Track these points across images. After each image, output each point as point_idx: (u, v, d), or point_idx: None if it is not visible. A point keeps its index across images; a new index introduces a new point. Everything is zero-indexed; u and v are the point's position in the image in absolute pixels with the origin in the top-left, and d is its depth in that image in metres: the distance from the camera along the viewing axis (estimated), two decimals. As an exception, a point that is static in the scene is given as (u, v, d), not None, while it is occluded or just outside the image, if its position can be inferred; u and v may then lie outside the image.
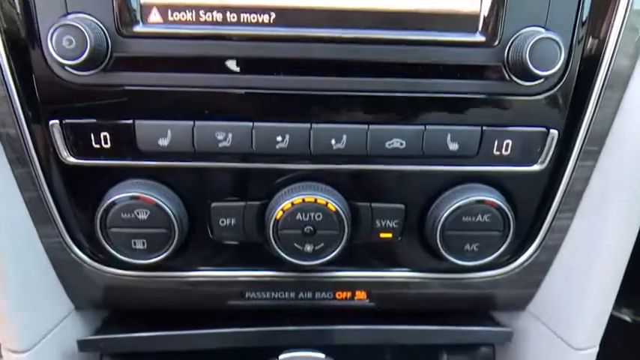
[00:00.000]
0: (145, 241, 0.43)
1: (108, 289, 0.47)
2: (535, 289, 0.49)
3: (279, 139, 0.41)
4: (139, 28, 0.39)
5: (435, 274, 0.48)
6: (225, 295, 0.48)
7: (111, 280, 0.47)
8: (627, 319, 1.64)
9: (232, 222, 0.44)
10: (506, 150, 0.43)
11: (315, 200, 0.42)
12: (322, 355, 0.36)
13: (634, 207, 0.43)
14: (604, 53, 0.41)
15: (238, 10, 0.39)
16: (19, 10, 0.39)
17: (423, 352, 0.56)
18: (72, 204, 0.44)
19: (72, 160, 0.42)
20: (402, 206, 0.44)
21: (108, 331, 0.49)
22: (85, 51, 0.37)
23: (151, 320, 0.51)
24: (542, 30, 0.39)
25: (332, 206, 0.42)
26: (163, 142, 0.41)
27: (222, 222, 0.44)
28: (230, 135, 0.41)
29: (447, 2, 0.39)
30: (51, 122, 0.41)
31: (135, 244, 0.43)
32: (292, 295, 0.48)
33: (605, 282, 0.45)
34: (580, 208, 0.45)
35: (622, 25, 0.40)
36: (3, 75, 0.40)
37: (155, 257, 0.43)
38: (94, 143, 0.41)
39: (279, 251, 0.43)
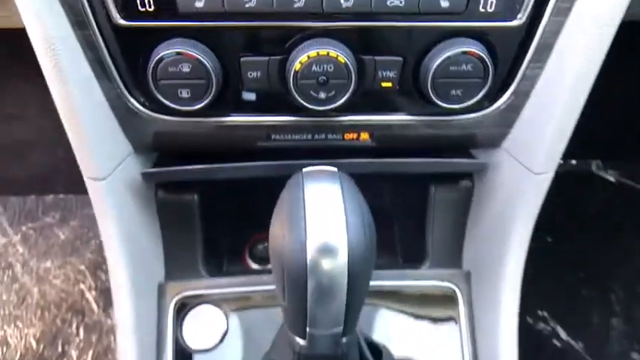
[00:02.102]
0: (188, 90, 0.52)
1: (158, 134, 0.58)
2: (509, 129, 0.59)
3: (297, 1, 0.49)
4: None
5: (427, 117, 0.58)
6: (254, 137, 0.59)
7: (161, 126, 0.57)
8: (612, 179, 1.78)
9: (258, 74, 0.53)
10: (490, 7, 0.50)
11: (328, 53, 0.50)
12: (335, 169, 0.47)
13: (592, 58, 0.51)
14: None
15: None
16: None
17: (415, 184, 0.68)
18: (125, 61, 0.53)
19: (122, 22, 0.50)
20: (400, 59, 0.53)
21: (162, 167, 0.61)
22: None
23: (194, 162, 0.63)
24: None
25: (342, 59, 0.51)
26: (199, 4, 0.49)
27: (250, 74, 0.53)
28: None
29: None
30: None
31: (180, 93, 0.52)
32: (309, 136, 0.59)
33: (559, 125, 0.55)
34: (550, 59, 0.53)
35: None
36: None
37: (197, 104, 0.53)
38: (139, 6, 0.49)
39: (298, 98, 0.53)
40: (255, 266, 0.77)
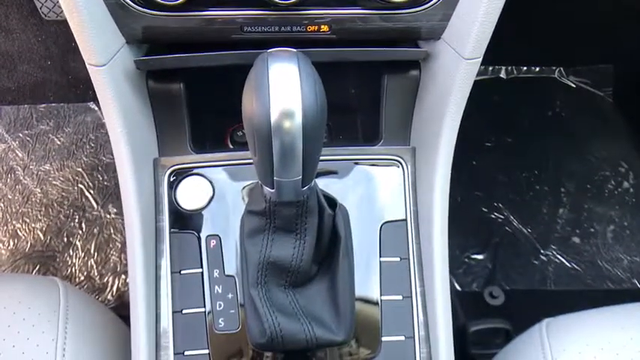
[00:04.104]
0: None
1: (146, 27, 0.67)
2: (446, 22, 0.69)
3: None
4: None
5: (377, 10, 0.67)
6: (230, 30, 0.68)
7: (148, 20, 0.66)
8: (572, 85, 1.90)
9: None
10: None
11: None
12: (294, 50, 0.57)
13: None
14: None
15: None
16: None
17: (371, 75, 0.79)
18: None
19: None
20: None
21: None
22: None
23: (179, 53, 0.72)
24: None
25: None
26: None
27: None
28: None
29: None
30: None
31: None
32: (277, 28, 0.69)
33: (483, 18, 0.64)
34: None
35: None
36: None
37: None
38: None
39: None
40: (232, 148, 0.90)
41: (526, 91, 1.84)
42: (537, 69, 1.87)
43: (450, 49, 0.70)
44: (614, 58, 1.84)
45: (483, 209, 1.59)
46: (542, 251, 1.53)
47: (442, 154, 0.73)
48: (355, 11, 0.68)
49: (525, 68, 1.85)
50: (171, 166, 0.78)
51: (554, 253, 1.53)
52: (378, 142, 0.81)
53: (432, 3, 0.67)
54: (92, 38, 0.65)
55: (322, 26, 0.69)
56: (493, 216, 1.58)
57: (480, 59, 0.69)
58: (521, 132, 1.75)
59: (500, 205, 1.60)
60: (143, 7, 0.66)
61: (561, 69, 1.87)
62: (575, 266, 1.51)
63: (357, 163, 0.78)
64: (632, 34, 1.72)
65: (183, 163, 0.78)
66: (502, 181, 1.64)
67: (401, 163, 0.79)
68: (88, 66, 0.67)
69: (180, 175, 0.78)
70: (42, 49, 1.78)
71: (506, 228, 1.57)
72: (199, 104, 0.81)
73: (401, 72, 0.77)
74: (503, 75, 1.87)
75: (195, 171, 0.78)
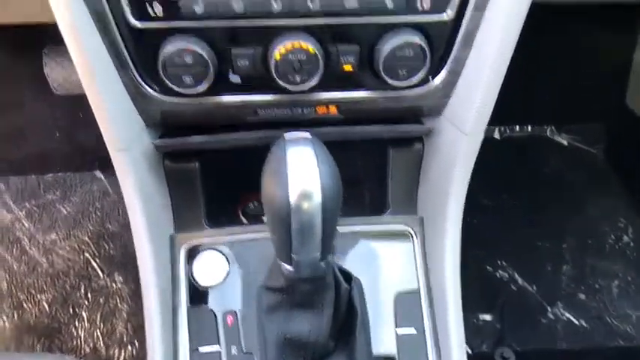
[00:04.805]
0: (191, 76, 0.66)
1: (165, 112, 0.72)
2: (447, 99, 0.74)
3: (274, 4, 0.63)
4: None
5: (381, 92, 0.72)
6: (244, 113, 0.73)
7: (167, 105, 0.71)
8: (565, 143, 1.97)
9: (246, 62, 0.67)
10: (425, 5, 0.65)
11: (300, 45, 0.64)
12: (309, 134, 0.61)
13: (505, 43, 0.66)
14: None
15: None
16: None
17: (377, 149, 0.83)
18: (139, 54, 0.66)
19: (137, 24, 0.63)
20: (357, 47, 0.67)
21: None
22: None
23: (195, 134, 0.76)
24: None
25: (312, 49, 0.64)
26: (198, 9, 0.62)
27: (239, 63, 0.67)
28: (241, 2, 0.62)
29: None
30: None
31: (184, 79, 0.66)
32: (288, 111, 0.73)
33: (484, 96, 0.69)
34: (474, 45, 0.68)
35: None
36: None
37: (198, 88, 0.67)
38: (150, 12, 0.62)
39: (279, 81, 0.67)
40: (246, 222, 0.92)
41: (520, 151, 1.90)
42: (530, 128, 1.94)
43: (451, 125, 0.75)
44: (603, 115, 1.92)
45: (488, 268, 1.60)
46: (549, 309, 1.53)
47: (450, 224, 0.76)
48: (361, 93, 0.73)
49: (518, 128, 1.92)
50: (188, 243, 0.80)
51: (562, 310, 1.53)
52: (385, 212, 0.84)
53: (431, 84, 0.72)
54: (115, 126, 0.69)
55: (331, 108, 0.74)
56: (498, 275, 1.59)
57: (482, 135, 0.73)
58: (518, 190, 1.79)
59: (503, 263, 1.61)
60: (164, 95, 0.70)
61: (553, 127, 1.94)
62: (584, 324, 1.51)
63: (365, 234, 0.81)
64: (619, 91, 1.80)
65: (199, 239, 0.81)
66: (503, 239, 1.66)
67: (410, 233, 0.82)
68: (110, 150, 0.71)
69: (197, 251, 0.80)
70: (50, 120, 1.84)
71: (512, 286, 1.57)
72: (213, 180, 0.84)
73: (405, 145, 0.82)
74: (497, 135, 1.93)
75: (211, 247, 0.80)
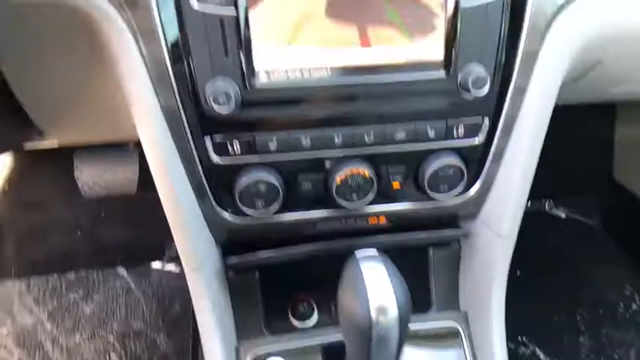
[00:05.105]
0: (263, 201, 0.75)
1: (237, 230, 0.80)
2: (481, 206, 0.84)
3: (336, 139, 0.73)
4: (255, 85, 0.68)
5: (424, 203, 0.82)
6: (305, 227, 0.82)
7: (236, 225, 0.80)
8: (562, 215, 2.08)
9: (310, 186, 0.77)
10: (460, 132, 0.76)
11: (358, 171, 0.75)
12: (376, 252, 0.70)
13: (531, 155, 0.78)
14: (511, 76, 0.73)
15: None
16: (187, 73, 0.66)
17: (417, 250, 0.92)
18: (218, 186, 0.75)
19: (218, 161, 0.73)
20: (404, 168, 0.78)
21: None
22: (230, 101, 0.66)
23: (255, 247, 0.85)
24: (479, 65, 0.70)
25: (367, 174, 0.75)
26: (272, 146, 0.73)
27: (305, 187, 0.77)
28: (309, 138, 0.73)
29: (425, 54, 0.70)
30: (205, 137, 0.72)
31: (257, 203, 0.75)
32: (344, 223, 0.83)
33: (515, 203, 0.80)
34: (502, 161, 0.79)
35: (520, 60, 0.72)
36: (178, 110, 0.69)
37: (269, 209, 0.76)
38: (230, 151, 0.73)
39: (338, 200, 0.76)
40: (296, 323, 0.98)
41: (522, 226, 2.00)
42: (529, 203, 2.06)
43: (487, 228, 0.85)
44: (595, 187, 2.05)
45: (510, 345, 1.64)
46: (574, 383, 1.56)
47: (496, 320, 0.84)
48: (407, 206, 0.82)
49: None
50: (251, 350, 0.86)
51: (587, 383, 1.56)
52: (430, 310, 0.91)
53: (468, 195, 0.83)
54: (192, 246, 0.77)
55: (381, 218, 0.83)
56: (520, 351, 1.63)
57: (516, 235, 0.83)
58: (524, 265, 1.87)
59: (524, 338, 1.66)
60: (236, 216, 0.79)
61: (550, 201, 2.07)
62: (610, 395, 1.54)
63: (414, 333, 0.88)
64: (607, 165, 1.95)
65: (261, 345, 0.86)
66: (520, 314, 1.72)
67: (457, 330, 0.89)
68: (185, 270, 0.78)
69: (260, 358, 0.85)
70: (72, 220, 1.90)
71: (535, 362, 1.61)
72: (268, 286, 0.91)
73: (444, 246, 0.91)
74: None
75: (273, 353, 0.86)
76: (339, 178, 0.74)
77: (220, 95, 0.64)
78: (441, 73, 0.70)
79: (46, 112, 0.83)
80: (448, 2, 0.67)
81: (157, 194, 0.72)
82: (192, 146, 0.72)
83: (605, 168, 1.98)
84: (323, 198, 0.78)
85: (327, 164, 0.76)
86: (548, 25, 0.70)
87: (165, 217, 0.74)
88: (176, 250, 0.76)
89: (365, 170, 0.75)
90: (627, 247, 1.93)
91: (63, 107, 0.82)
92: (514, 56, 0.72)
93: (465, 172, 0.77)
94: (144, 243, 1.85)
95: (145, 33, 0.63)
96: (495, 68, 0.71)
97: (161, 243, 1.86)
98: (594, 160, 1.98)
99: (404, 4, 0.67)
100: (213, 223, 0.79)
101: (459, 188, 0.79)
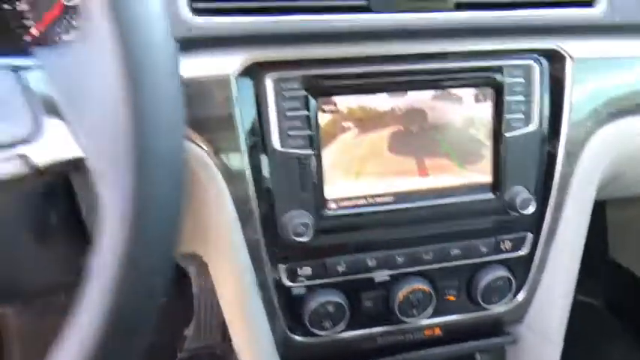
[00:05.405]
0: (330, 321, 0.79)
1: (305, 347, 0.83)
2: (526, 311, 0.90)
3: (398, 259, 0.79)
4: (327, 214, 0.75)
5: (477, 312, 0.87)
6: (365, 343, 0.85)
7: (308, 345, 0.82)
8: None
9: (371, 304, 0.82)
10: (507, 246, 0.84)
11: (418, 289, 0.80)
12: None
13: (572, 263, 0.85)
14: (550, 194, 0.82)
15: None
16: (269, 208, 0.73)
17: (465, 355, 0.96)
18: (289, 310, 0.79)
19: (290, 284, 0.77)
20: (457, 282, 0.84)
21: None
22: (308, 230, 0.72)
23: None
24: (524, 188, 0.79)
25: (426, 289, 0.80)
26: (341, 269, 0.78)
27: (367, 304, 0.82)
28: (374, 260, 0.78)
29: (475, 179, 0.79)
30: (279, 264, 0.76)
31: (325, 324, 0.79)
32: (402, 337, 0.86)
33: (561, 307, 0.86)
34: (546, 268, 0.86)
35: (558, 181, 0.82)
36: (260, 242, 0.74)
37: (336, 328, 0.79)
38: (299, 277, 0.77)
39: (400, 317, 0.81)
40: None
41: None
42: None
43: (532, 332, 0.90)
44: (594, 268, 2.13)
45: None
46: None
47: None
48: (461, 316, 0.87)
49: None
50: None
51: None
52: None
53: (514, 303, 0.88)
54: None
55: (435, 329, 0.88)
56: None
57: (562, 341, 0.88)
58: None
59: None
60: (303, 336, 0.82)
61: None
62: None
63: None
64: (602, 245, 2.05)
65: None
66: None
67: None
68: None
69: None
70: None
71: None
72: None
73: (492, 352, 0.95)
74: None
75: None
76: (401, 294, 0.80)
77: (299, 226, 0.70)
78: (489, 195, 0.78)
79: None
80: (493, 133, 0.76)
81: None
82: (268, 274, 0.77)
83: (601, 248, 2.08)
84: (384, 314, 0.82)
85: (389, 282, 0.81)
86: (581, 150, 0.80)
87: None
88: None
89: (425, 287, 0.80)
90: (633, 327, 1.98)
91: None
92: (551, 178, 0.81)
93: (514, 282, 0.84)
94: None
95: (235, 175, 0.69)
96: (537, 189, 0.80)
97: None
98: (589, 240, 2.07)
99: (456, 137, 0.77)
100: (281, 344, 0.82)
101: (507, 297, 0.85)
